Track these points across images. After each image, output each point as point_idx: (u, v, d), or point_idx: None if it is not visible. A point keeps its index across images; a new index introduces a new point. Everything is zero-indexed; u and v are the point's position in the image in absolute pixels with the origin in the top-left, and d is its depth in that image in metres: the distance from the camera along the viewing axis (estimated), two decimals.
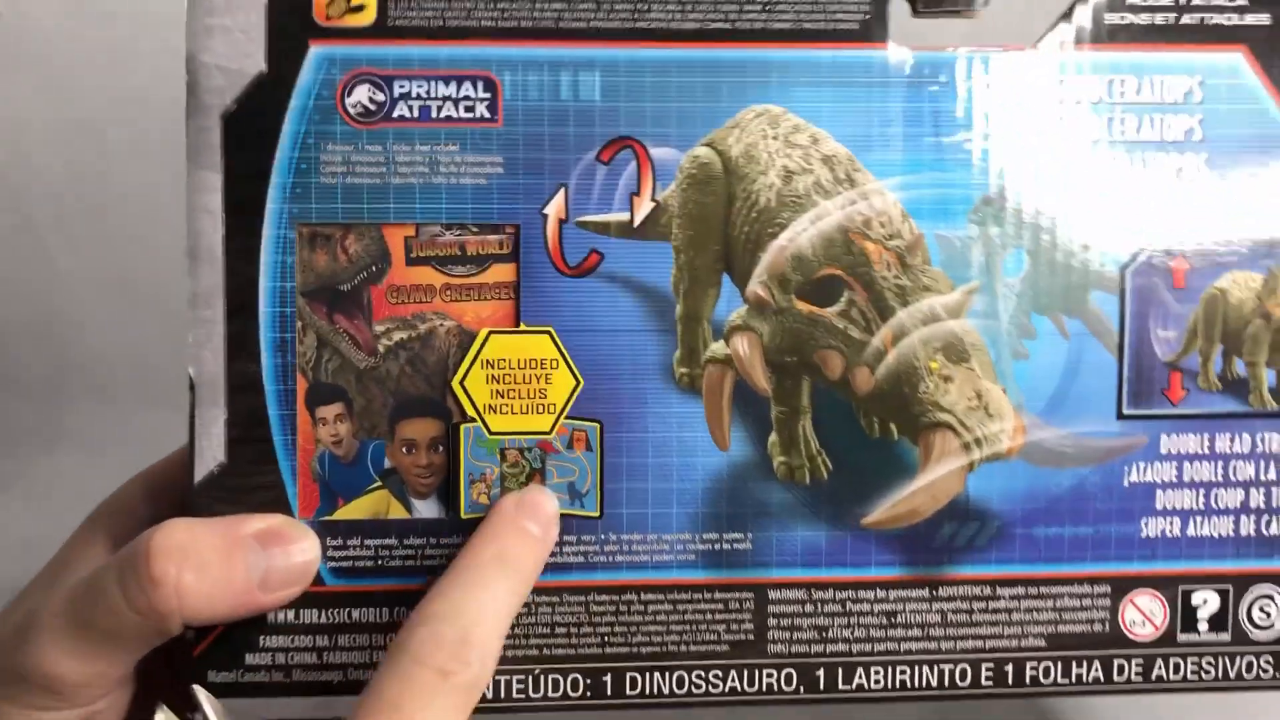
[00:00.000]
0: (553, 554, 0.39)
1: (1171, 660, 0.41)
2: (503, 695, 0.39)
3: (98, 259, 0.73)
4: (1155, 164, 0.40)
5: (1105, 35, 0.39)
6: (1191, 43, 0.40)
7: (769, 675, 0.40)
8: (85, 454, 0.70)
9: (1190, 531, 0.41)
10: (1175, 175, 0.40)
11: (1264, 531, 0.41)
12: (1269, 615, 0.41)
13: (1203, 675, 0.41)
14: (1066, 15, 0.40)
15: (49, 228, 0.73)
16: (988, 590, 0.40)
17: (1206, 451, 0.41)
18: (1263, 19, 0.40)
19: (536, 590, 0.39)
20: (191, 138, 0.38)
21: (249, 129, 0.38)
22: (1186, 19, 0.40)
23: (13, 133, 0.72)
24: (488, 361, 0.39)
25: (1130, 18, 0.40)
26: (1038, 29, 0.40)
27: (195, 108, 0.37)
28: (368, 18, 0.38)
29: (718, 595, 0.40)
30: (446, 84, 0.38)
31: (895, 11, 0.39)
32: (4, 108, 0.72)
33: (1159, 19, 0.40)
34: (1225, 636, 0.41)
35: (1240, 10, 0.40)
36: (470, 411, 0.38)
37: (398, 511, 0.39)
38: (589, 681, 0.40)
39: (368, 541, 0.39)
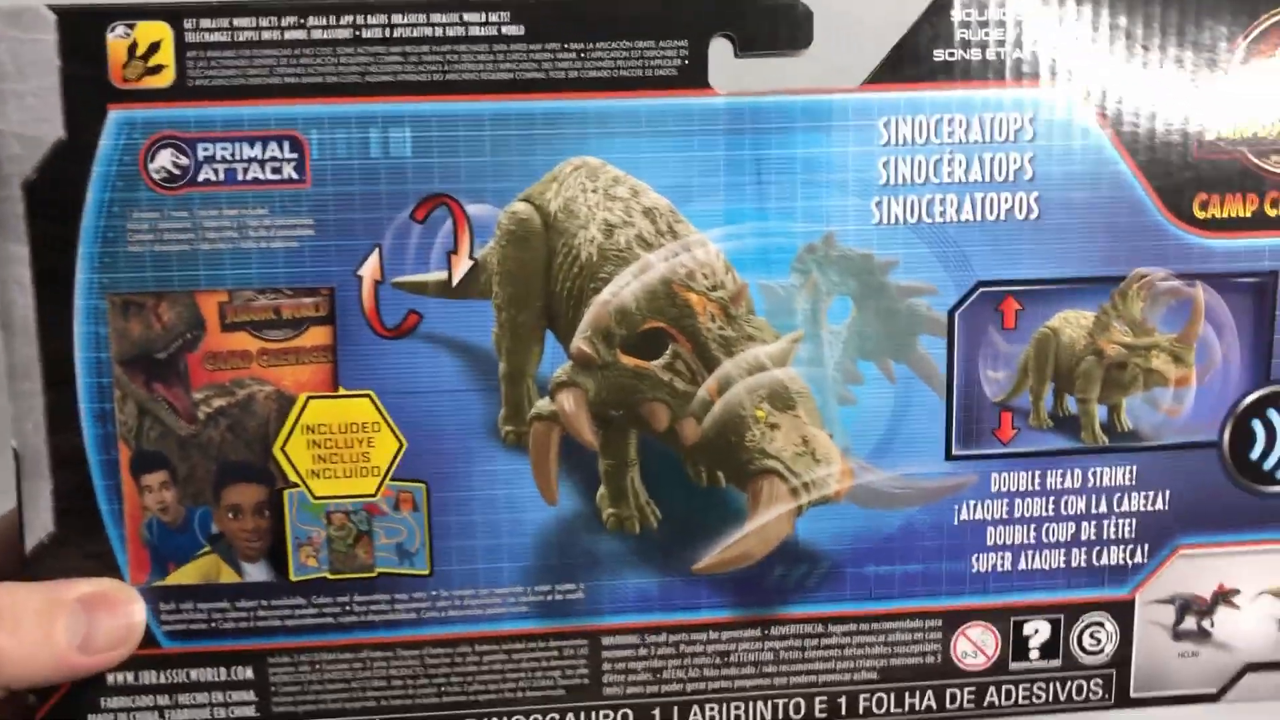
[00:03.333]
0: (384, 611, 0.40)
1: (1004, 687, 0.42)
2: None
3: None
4: (985, 204, 0.39)
5: (933, 73, 0.38)
6: (1023, 79, 0.39)
7: (606, 715, 0.41)
8: None
9: (1022, 565, 0.41)
10: (1005, 215, 0.39)
11: (1094, 563, 0.42)
12: (1099, 641, 0.42)
13: (1034, 699, 0.42)
14: (893, 54, 0.38)
15: None
16: (819, 628, 0.41)
17: (1038, 488, 0.41)
18: (1097, 53, 0.39)
19: (369, 646, 0.40)
20: None
21: (52, 198, 0.37)
22: (1019, 54, 0.39)
23: None
24: (308, 426, 0.38)
25: (960, 54, 0.38)
26: (863, 69, 0.38)
27: None
28: (167, 79, 0.37)
29: (552, 643, 0.40)
30: (251, 145, 0.37)
31: (716, 55, 0.38)
32: None
33: (990, 55, 0.38)
34: (1056, 662, 0.42)
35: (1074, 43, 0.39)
36: (293, 477, 0.39)
37: (229, 575, 0.39)
38: None
39: (200, 605, 0.39)
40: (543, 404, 0.39)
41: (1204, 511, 0.41)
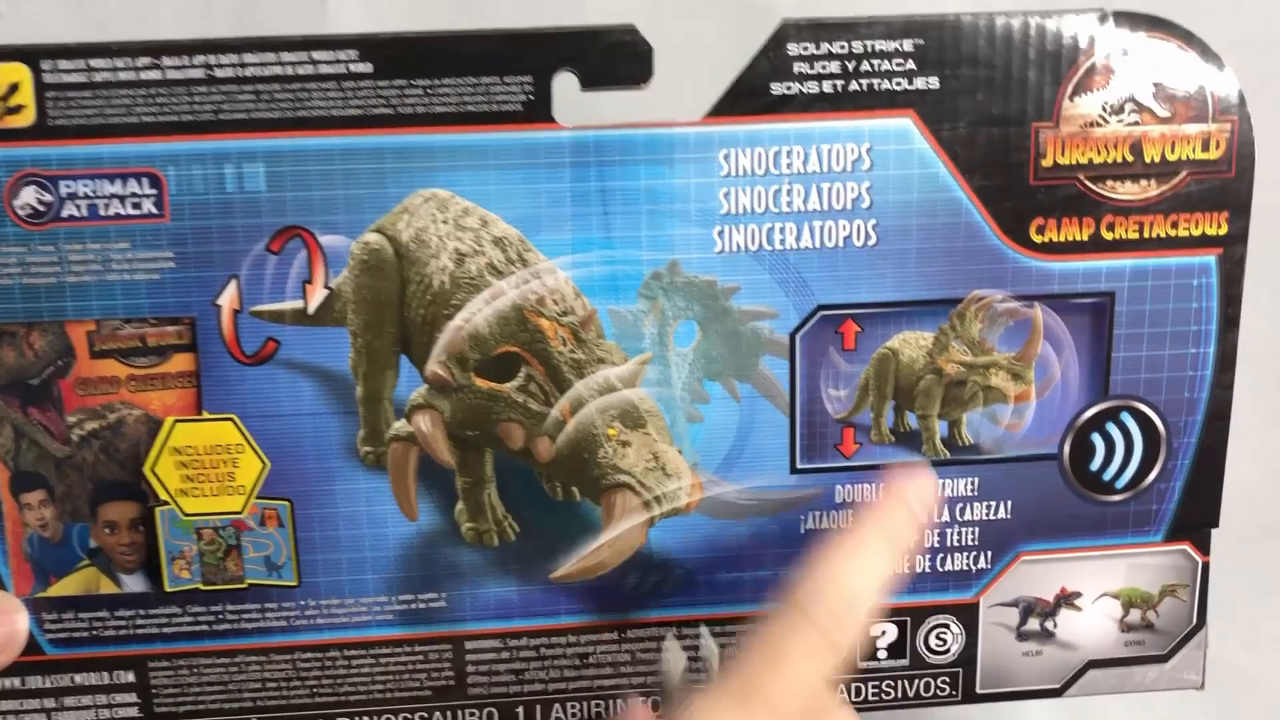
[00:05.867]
0: (255, 619, 0.42)
1: (853, 685, 0.44)
2: None
3: None
4: (824, 232, 0.40)
5: (772, 106, 0.39)
6: (859, 109, 0.40)
7: (472, 714, 0.44)
8: None
9: None
10: (844, 242, 0.41)
11: (939, 568, 0.44)
12: (945, 641, 0.44)
13: (884, 695, 0.45)
14: (731, 89, 0.39)
15: None
16: (674, 631, 0.43)
17: None
18: (931, 82, 0.40)
19: (243, 651, 0.42)
20: None
21: None
22: (854, 85, 0.40)
23: None
24: (175, 448, 0.40)
25: (797, 87, 0.40)
26: (705, 103, 0.40)
27: None
28: (28, 118, 0.38)
29: (417, 648, 0.43)
30: (112, 182, 0.39)
31: (560, 89, 0.39)
32: None
33: (826, 87, 0.40)
34: (904, 662, 0.44)
35: (908, 75, 0.40)
36: (163, 495, 0.41)
37: (108, 586, 0.41)
38: None
39: (81, 614, 0.41)
40: (400, 426, 0.41)
41: (1045, 520, 0.43)
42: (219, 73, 0.38)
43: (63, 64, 0.38)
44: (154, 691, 0.42)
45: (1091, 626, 0.45)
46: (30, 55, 0.38)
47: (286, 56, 0.38)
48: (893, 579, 0.37)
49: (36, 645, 0.41)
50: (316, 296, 0.40)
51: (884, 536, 0.37)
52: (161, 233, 0.39)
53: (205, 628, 0.42)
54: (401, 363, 0.41)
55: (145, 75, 0.38)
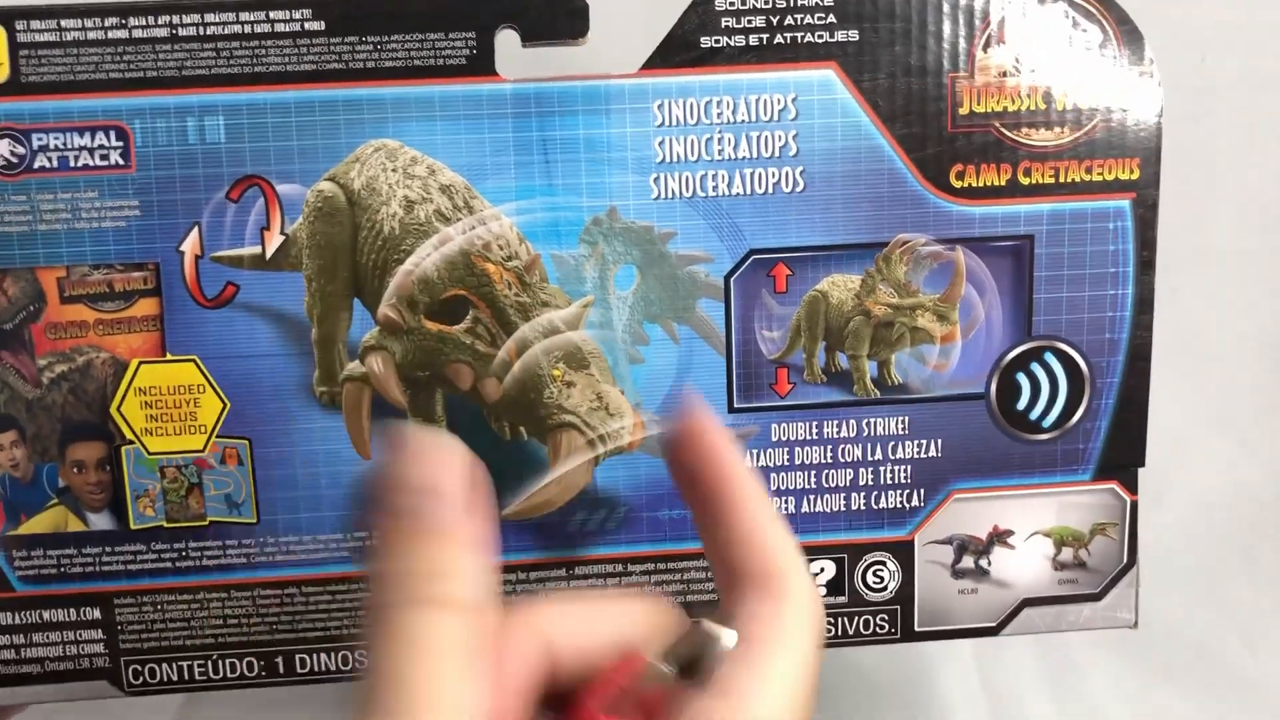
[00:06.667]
0: (217, 556, 0.44)
1: None
2: (185, 678, 0.44)
3: None
4: (755, 179, 0.43)
5: (702, 59, 0.42)
6: (784, 62, 0.42)
7: None
8: None
9: (805, 509, 0.45)
10: (773, 188, 0.43)
11: (874, 505, 0.45)
12: (882, 579, 0.46)
13: (825, 633, 0.46)
14: (665, 42, 0.42)
15: None
16: (620, 568, 0.45)
17: (815, 437, 0.45)
18: (851, 35, 0.42)
19: (205, 589, 0.44)
20: None
21: None
22: (779, 39, 0.42)
23: None
24: (140, 389, 0.42)
25: (725, 40, 0.42)
26: (639, 57, 0.42)
27: None
28: (2, 75, 0.41)
29: None
30: (81, 135, 0.41)
31: (502, 44, 0.42)
32: None
33: (752, 40, 0.42)
34: (843, 599, 0.46)
35: (829, 28, 0.42)
36: (129, 434, 0.43)
37: (76, 525, 0.43)
38: (263, 663, 0.45)
39: (50, 552, 0.43)
40: (353, 367, 0.43)
41: (975, 458, 0.45)
42: (182, 31, 0.41)
43: (35, 24, 0.41)
44: (119, 627, 0.44)
45: (1025, 565, 0.46)
46: (5, 16, 0.41)
47: (245, 16, 0.41)
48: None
49: (6, 582, 0.43)
50: (273, 242, 0.42)
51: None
52: (128, 183, 0.41)
53: (169, 564, 0.44)
54: (355, 306, 0.43)
55: (113, 34, 0.41)
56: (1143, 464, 0.46)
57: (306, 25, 0.41)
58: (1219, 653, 0.57)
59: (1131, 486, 0.46)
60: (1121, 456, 0.46)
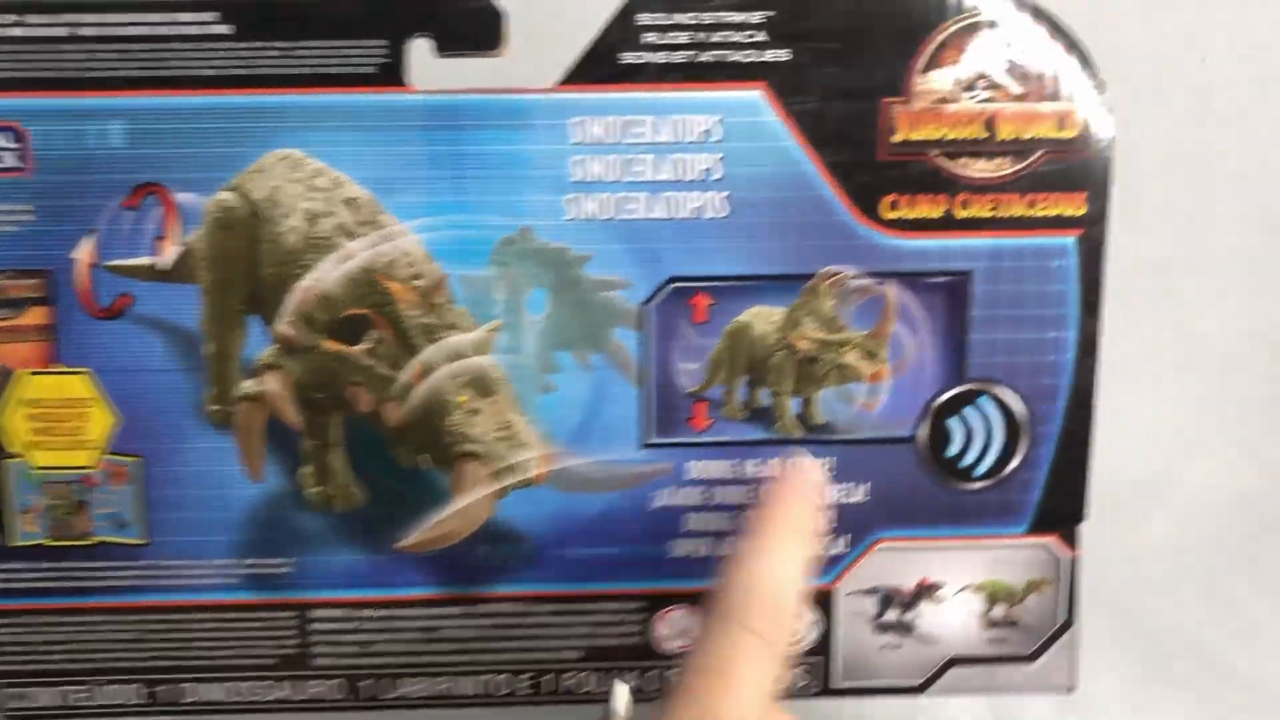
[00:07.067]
0: (103, 577, 0.42)
1: None
2: (64, 704, 0.42)
3: None
4: (676, 203, 0.41)
5: (623, 75, 0.40)
6: (710, 81, 0.40)
7: (316, 686, 0.43)
8: None
9: (722, 551, 0.43)
10: (695, 213, 0.41)
11: None
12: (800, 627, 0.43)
13: None
14: (585, 57, 0.40)
15: None
16: (524, 607, 0.43)
17: (734, 476, 0.42)
18: (782, 55, 0.40)
19: (90, 610, 0.42)
20: None
21: None
22: (705, 57, 0.40)
23: None
24: (26, 400, 0.41)
25: (648, 56, 0.40)
26: (558, 71, 0.40)
27: None
28: None
29: (262, 615, 0.42)
30: None
31: (415, 54, 0.40)
32: None
33: (677, 57, 0.40)
34: None
35: (759, 47, 0.40)
36: (12, 448, 0.41)
37: None
38: (147, 691, 0.43)
39: None
40: (248, 384, 0.41)
41: (903, 506, 0.43)
42: (82, 31, 0.39)
43: None
44: None
45: (953, 620, 0.44)
46: None
47: (150, 17, 0.39)
48: (809, 566, 0.37)
49: None
50: (170, 253, 0.41)
51: (792, 528, 0.37)
52: (23, 186, 0.40)
53: (52, 584, 0.42)
54: (252, 322, 0.42)
55: (10, 32, 0.39)
56: (1083, 518, 0.43)
57: (213, 29, 0.40)
58: (1219, 653, 0.56)
59: (1071, 541, 0.43)
60: (1060, 509, 0.43)
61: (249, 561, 0.42)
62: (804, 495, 0.38)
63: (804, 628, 0.43)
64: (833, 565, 0.43)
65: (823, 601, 0.43)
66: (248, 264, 0.41)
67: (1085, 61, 0.40)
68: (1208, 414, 0.57)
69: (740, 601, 0.35)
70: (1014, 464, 0.43)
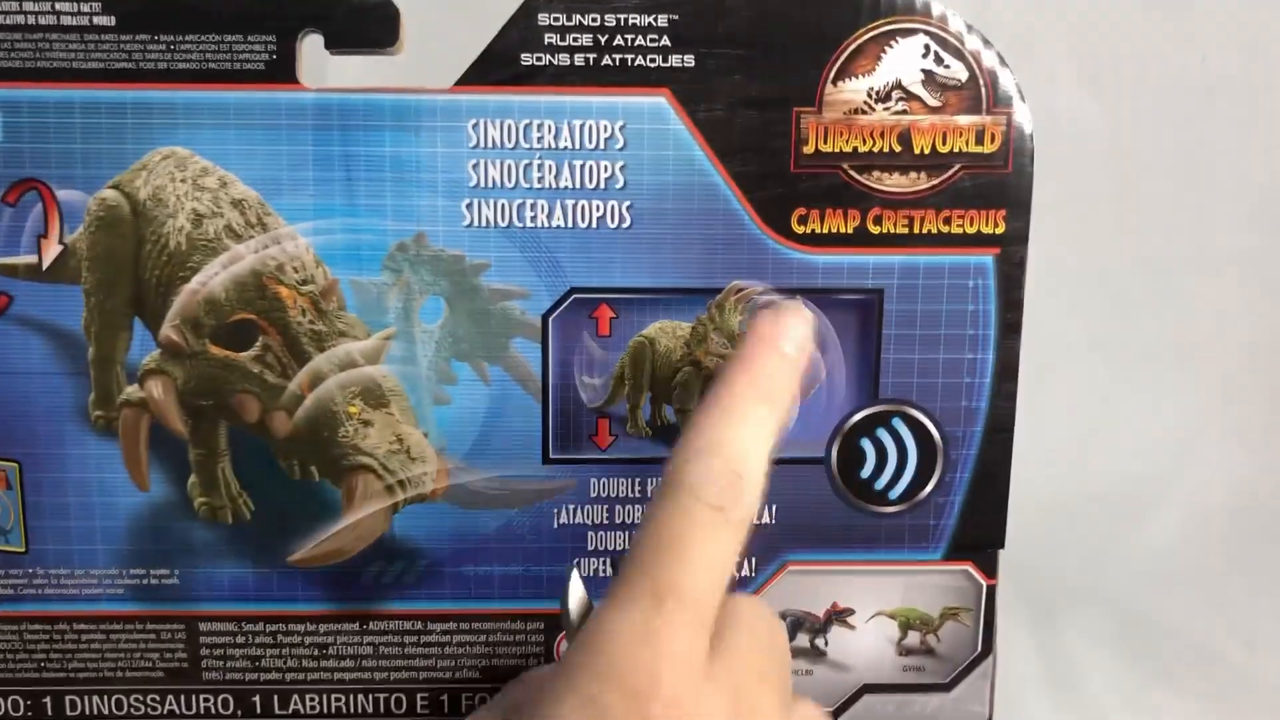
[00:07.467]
0: None
1: None
2: None
3: None
4: (577, 211, 0.39)
5: (522, 77, 0.38)
6: (613, 85, 0.38)
7: (206, 700, 0.42)
8: None
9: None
10: (597, 223, 0.39)
11: None
12: None
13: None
14: (482, 57, 0.38)
15: None
16: (419, 625, 0.41)
17: (638, 494, 0.41)
18: (687, 60, 0.38)
19: None
20: None
21: None
22: (607, 60, 0.38)
23: None
24: None
25: (549, 59, 0.38)
26: (455, 71, 0.38)
27: None
28: None
29: (149, 626, 0.41)
30: None
31: (306, 50, 0.38)
32: None
33: (578, 60, 0.38)
34: None
35: (663, 52, 0.38)
36: None
37: None
38: (29, 703, 0.41)
39: None
40: (132, 390, 0.40)
41: (813, 528, 0.41)
42: None
43: None
44: None
45: (866, 647, 0.42)
46: None
47: (28, 6, 0.38)
48: (779, 434, 0.32)
49: None
50: (51, 252, 0.39)
51: (761, 389, 0.32)
52: None
53: None
54: (136, 326, 0.40)
55: None
56: (1002, 545, 0.42)
57: (95, 20, 0.38)
58: (1219, 653, 0.56)
59: (989, 570, 0.42)
60: (978, 536, 0.42)
61: (134, 572, 0.41)
62: (779, 350, 0.32)
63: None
64: (740, 588, 0.41)
65: None
66: (131, 265, 0.40)
67: (1005, 75, 0.38)
68: (1207, 414, 0.57)
69: (696, 471, 0.30)
70: (929, 488, 0.41)
